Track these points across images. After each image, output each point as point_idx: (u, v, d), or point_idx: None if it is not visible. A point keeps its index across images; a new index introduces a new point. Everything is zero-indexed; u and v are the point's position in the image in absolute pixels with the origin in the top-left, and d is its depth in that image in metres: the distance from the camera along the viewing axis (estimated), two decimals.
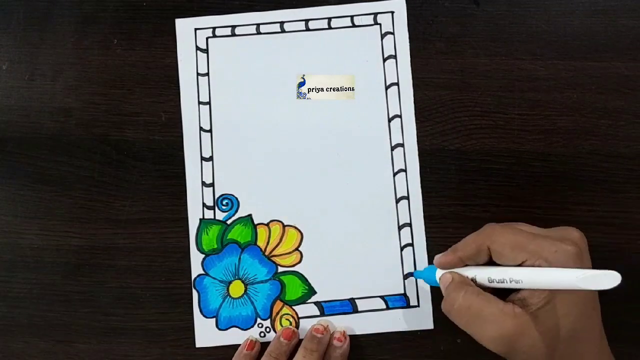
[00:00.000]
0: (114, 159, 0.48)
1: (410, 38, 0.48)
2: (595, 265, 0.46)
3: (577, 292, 0.35)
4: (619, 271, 0.45)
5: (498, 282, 0.36)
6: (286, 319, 0.46)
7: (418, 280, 0.46)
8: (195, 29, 0.49)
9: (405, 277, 0.46)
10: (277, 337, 0.45)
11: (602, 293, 0.46)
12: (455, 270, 0.39)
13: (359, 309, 0.46)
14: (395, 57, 0.48)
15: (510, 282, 0.35)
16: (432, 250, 0.46)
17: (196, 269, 0.47)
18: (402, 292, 0.46)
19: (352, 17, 0.49)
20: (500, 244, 0.36)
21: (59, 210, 0.47)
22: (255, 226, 0.47)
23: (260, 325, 0.46)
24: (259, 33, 0.49)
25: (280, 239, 0.47)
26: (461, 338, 0.46)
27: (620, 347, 0.45)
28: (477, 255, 0.37)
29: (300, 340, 0.45)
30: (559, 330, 0.35)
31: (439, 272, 0.40)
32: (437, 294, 0.46)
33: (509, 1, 0.48)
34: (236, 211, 0.47)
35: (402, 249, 0.46)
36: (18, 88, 0.49)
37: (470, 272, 0.38)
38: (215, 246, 0.47)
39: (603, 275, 0.32)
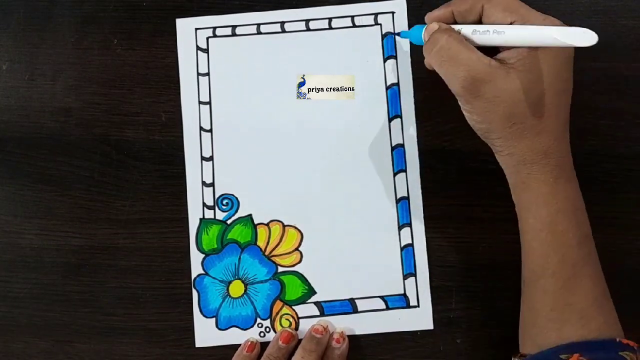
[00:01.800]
0: (114, 159, 0.48)
1: None
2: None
3: (554, 60, 0.36)
4: (618, 272, 0.45)
5: (482, 33, 0.37)
6: (286, 319, 0.46)
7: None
8: (196, 29, 0.49)
9: (405, 277, 0.46)
10: (276, 340, 0.45)
11: None
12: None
13: (359, 309, 0.46)
14: (395, 57, 0.48)
15: (493, 32, 0.37)
16: (432, 250, 0.46)
17: (196, 269, 0.47)
18: (402, 292, 0.46)
19: (352, 17, 0.48)
20: (495, 3, 0.37)
21: (59, 210, 0.47)
22: (255, 226, 0.47)
23: (260, 325, 0.46)
24: (259, 33, 0.49)
25: (280, 239, 0.47)
26: (461, 338, 0.46)
27: None
28: (469, 12, 0.38)
29: (300, 340, 0.45)
30: (526, 93, 0.36)
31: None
32: (436, 295, 0.46)
33: None
34: (236, 211, 0.47)
35: (402, 249, 0.46)
36: (18, 88, 0.49)
37: (456, 26, 0.39)
38: (215, 246, 0.47)
39: (582, 33, 0.34)
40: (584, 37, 0.34)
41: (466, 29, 0.38)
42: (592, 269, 0.38)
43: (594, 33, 0.34)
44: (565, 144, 0.38)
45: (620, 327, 0.39)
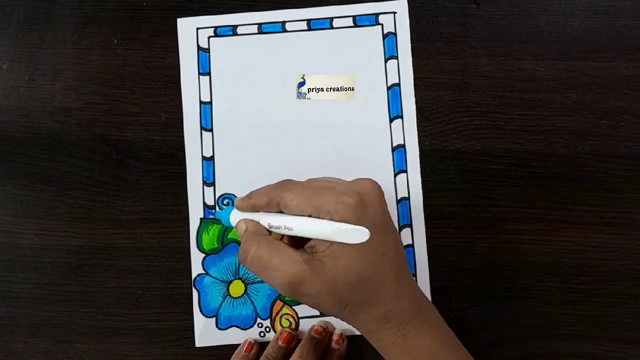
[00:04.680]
0: (114, 159, 0.48)
1: (410, 38, 0.48)
2: (597, 266, 0.46)
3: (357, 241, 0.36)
4: (618, 272, 0.45)
5: (276, 228, 0.38)
6: (286, 319, 0.46)
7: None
8: (197, 29, 0.49)
9: None
10: (275, 340, 0.45)
11: (601, 293, 0.46)
12: (250, 216, 0.40)
13: None
14: (397, 57, 0.48)
15: (285, 229, 0.37)
16: (432, 250, 0.46)
17: (196, 269, 0.47)
18: None
19: (354, 17, 0.48)
20: (288, 199, 0.37)
21: (59, 210, 0.47)
22: None
23: (260, 325, 0.46)
24: (260, 33, 0.49)
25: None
26: (461, 338, 0.46)
27: (621, 347, 0.46)
28: (268, 206, 0.38)
29: (300, 340, 0.45)
30: (347, 276, 0.35)
31: (234, 216, 0.41)
32: (436, 295, 0.46)
33: (509, 1, 0.48)
34: None
35: None
36: (18, 88, 0.49)
37: (257, 217, 0.39)
38: (216, 245, 0.47)
39: (353, 230, 0.34)
40: (357, 235, 0.34)
41: (263, 222, 0.38)
42: None
43: (365, 230, 0.34)
44: (406, 298, 0.38)
45: None
